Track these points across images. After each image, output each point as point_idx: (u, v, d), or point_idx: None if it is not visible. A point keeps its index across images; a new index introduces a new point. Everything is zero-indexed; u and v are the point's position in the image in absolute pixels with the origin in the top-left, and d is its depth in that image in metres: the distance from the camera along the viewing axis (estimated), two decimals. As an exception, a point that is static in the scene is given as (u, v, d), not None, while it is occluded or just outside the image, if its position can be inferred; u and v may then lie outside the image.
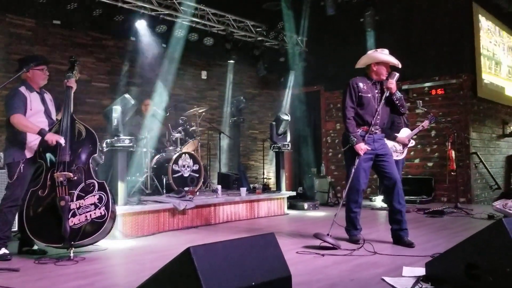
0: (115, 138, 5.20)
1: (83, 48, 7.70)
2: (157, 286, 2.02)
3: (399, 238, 4.51)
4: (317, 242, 4.35)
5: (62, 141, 4.14)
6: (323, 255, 4.05)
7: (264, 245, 2.17)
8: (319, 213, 7.49)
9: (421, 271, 3.30)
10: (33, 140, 4.22)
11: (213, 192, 7.06)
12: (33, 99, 4.27)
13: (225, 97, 9.90)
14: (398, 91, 4.62)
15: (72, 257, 3.97)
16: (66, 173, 4.08)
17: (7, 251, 4.09)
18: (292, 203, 7.94)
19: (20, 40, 6.98)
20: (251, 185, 8.86)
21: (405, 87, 9.05)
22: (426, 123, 7.00)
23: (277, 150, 7.43)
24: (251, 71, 10.33)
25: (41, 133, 4.11)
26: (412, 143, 7.17)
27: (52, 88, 4.85)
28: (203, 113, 7.89)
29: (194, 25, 8.32)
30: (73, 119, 4.36)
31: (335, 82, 9.87)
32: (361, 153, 4.43)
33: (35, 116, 4.26)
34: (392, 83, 4.53)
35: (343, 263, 3.78)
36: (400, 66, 4.63)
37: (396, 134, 6.96)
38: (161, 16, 7.78)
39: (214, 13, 8.52)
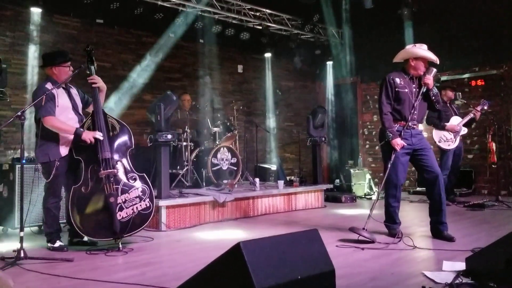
0: (158, 133, 5.39)
1: (125, 46, 7.96)
2: (208, 279, 2.16)
3: (438, 231, 4.53)
4: (355, 236, 4.43)
5: (99, 135, 4.20)
6: (362, 248, 4.12)
7: (309, 240, 2.28)
8: (357, 206, 7.54)
9: (461, 265, 3.32)
10: (66, 138, 4.26)
11: (250, 185, 7.20)
12: (60, 95, 4.28)
13: (261, 90, 10.02)
14: (435, 87, 4.62)
15: (121, 248, 4.19)
16: (111, 170, 4.21)
17: (62, 243, 4.34)
18: (329, 196, 8.00)
19: (66, 39, 7.28)
20: (288, 177, 8.99)
21: (444, 78, 8.92)
22: (478, 108, 6.94)
23: (313, 143, 7.49)
24: (287, 64, 10.40)
25: (77, 133, 4.18)
26: (465, 130, 7.10)
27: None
28: (241, 107, 8.04)
29: (230, 20, 8.45)
30: (105, 115, 4.42)
31: (372, 74, 9.84)
32: (398, 148, 4.46)
33: (65, 113, 4.28)
34: (430, 79, 4.52)
35: (383, 257, 3.84)
36: (438, 62, 4.63)
37: (444, 124, 6.93)
38: (199, 12, 7.94)
39: (250, 8, 8.61)
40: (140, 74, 7.83)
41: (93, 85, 4.44)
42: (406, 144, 4.51)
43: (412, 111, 4.54)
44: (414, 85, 4.64)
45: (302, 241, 2.24)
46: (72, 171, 4.39)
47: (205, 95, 8.32)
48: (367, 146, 10.39)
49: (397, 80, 4.60)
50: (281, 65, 10.39)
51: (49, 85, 4.25)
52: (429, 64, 4.65)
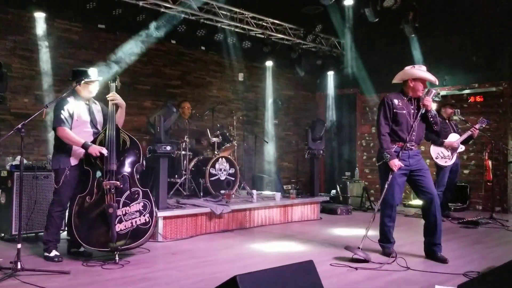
0: (157, 145, 5.42)
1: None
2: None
3: (432, 253, 4.57)
4: (350, 253, 4.46)
5: (104, 151, 4.33)
6: (356, 268, 4.16)
7: (304, 272, 2.32)
8: (352, 218, 7.59)
9: (453, 291, 3.37)
10: (78, 149, 4.41)
11: (248, 195, 7.23)
12: (80, 110, 4.46)
13: (261, 99, 10.05)
14: (433, 109, 4.66)
15: (117, 261, 4.22)
16: (114, 182, 4.32)
17: (58, 253, 4.38)
18: (325, 207, 8.05)
19: (68, 43, 7.30)
20: (284, 186, 9.03)
21: (443, 93, 8.98)
22: (477, 126, 6.99)
23: (312, 156, 7.52)
24: (287, 73, 10.43)
25: (84, 146, 4.32)
26: (462, 148, 7.16)
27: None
28: (240, 117, 8.08)
29: (232, 28, 8.47)
30: (117, 130, 4.55)
31: (371, 86, 9.88)
32: (395, 169, 4.49)
33: (81, 126, 4.45)
34: (429, 101, 4.56)
35: (376, 278, 3.88)
36: (437, 83, 4.69)
37: (443, 140, 6.97)
38: (201, 20, 7.97)
39: (253, 16, 8.64)
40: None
41: (111, 102, 4.57)
42: (403, 165, 4.55)
43: (410, 132, 4.59)
44: (412, 107, 4.68)
45: (298, 274, 2.28)
46: (81, 183, 4.47)
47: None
48: (364, 157, 10.44)
49: (395, 101, 4.64)
50: (282, 74, 10.43)
51: (71, 99, 4.44)
52: (429, 86, 4.70)
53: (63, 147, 4.43)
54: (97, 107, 4.69)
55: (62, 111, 4.33)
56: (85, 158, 4.43)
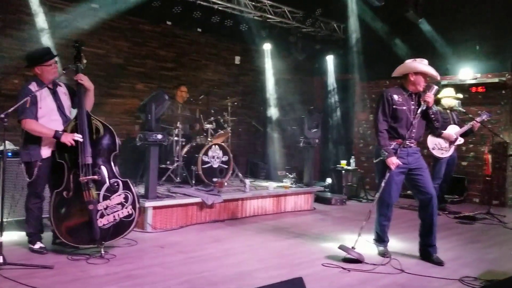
0: (148, 133, 5.24)
1: (120, 32, 7.73)
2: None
3: (427, 254, 4.45)
4: (343, 252, 4.34)
5: (78, 137, 4.03)
6: (349, 270, 4.04)
7: (293, 291, 2.17)
8: (345, 209, 7.47)
9: (448, 300, 3.25)
10: (47, 139, 4.11)
11: (241, 182, 7.09)
12: (44, 97, 4.10)
13: (258, 83, 9.82)
14: (434, 105, 4.49)
15: (103, 255, 4.08)
16: (91, 177, 4.05)
17: (42, 245, 4.23)
18: (320, 196, 7.93)
19: (60, 23, 7.01)
20: (279, 172, 8.88)
21: (444, 82, 8.77)
22: (478, 120, 6.82)
23: (307, 145, 7.36)
24: (285, 57, 10.16)
25: (56, 136, 4.02)
26: (461, 140, 7.00)
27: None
28: (235, 103, 7.89)
29: (229, 11, 8.20)
30: (89, 117, 4.21)
31: (370, 72, 9.67)
32: (393, 167, 4.33)
33: (48, 115, 4.12)
34: (430, 97, 4.38)
35: (369, 282, 3.76)
36: (439, 78, 4.52)
37: (441, 131, 6.80)
38: (197, 1, 7.69)
39: (251, -2, 8.36)
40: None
41: (79, 82, 4.21)
42: (401, 163, 4.39)
43: (410, 129, 4.42)
44: (412, 102, 4.50)
45: (286, 293, 2.14)
46: (55, 175, 4.21)
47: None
48: (361, 145, 10.29)
49: (395, 97, 4.45)
50: (279, 58, 10.15)
51: (33, 86, 4.07)
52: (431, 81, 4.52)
53: (32, 139, 4.09)
54: (62, 90, 4.32)
55: (25, 102, 3.92)
56: (57, 150, 4.12)
